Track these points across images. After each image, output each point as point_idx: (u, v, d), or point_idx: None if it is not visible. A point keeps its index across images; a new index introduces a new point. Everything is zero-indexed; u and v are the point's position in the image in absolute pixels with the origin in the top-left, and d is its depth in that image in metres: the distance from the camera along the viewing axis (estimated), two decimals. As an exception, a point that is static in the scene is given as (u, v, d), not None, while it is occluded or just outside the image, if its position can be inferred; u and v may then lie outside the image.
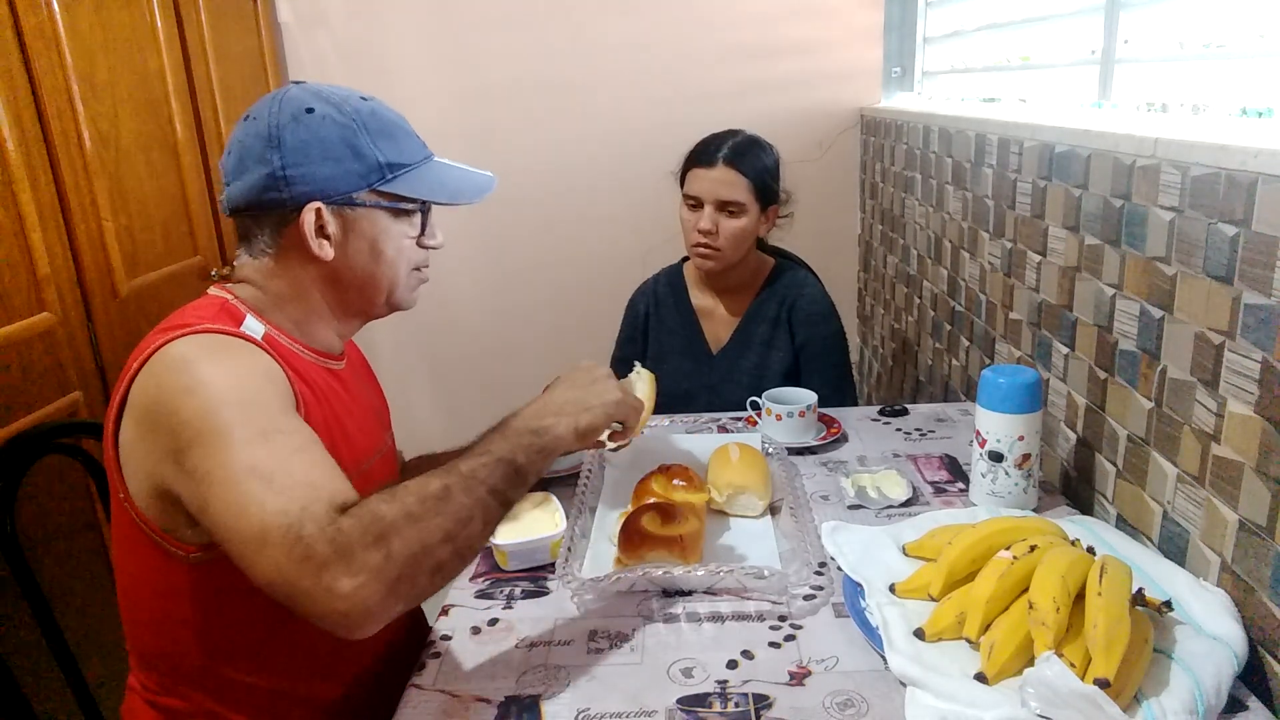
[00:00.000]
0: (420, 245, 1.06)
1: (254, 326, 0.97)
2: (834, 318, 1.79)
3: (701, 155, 1.70)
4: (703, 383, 1.81)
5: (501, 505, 0.88)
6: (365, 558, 0.77)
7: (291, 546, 0.77)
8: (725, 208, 1.67)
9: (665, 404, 1.73)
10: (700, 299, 1.86)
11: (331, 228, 0.98)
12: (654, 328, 1.88)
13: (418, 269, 1.07)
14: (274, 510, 0.79)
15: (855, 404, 1.80)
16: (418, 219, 1.04)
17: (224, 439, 0.83)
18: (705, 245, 1.69)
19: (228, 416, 0.84)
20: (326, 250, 0.98)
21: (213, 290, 1.01)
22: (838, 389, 1.76)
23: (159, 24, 1.90)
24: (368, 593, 0.77)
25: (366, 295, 1.04)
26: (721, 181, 1.66)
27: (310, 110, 0.96)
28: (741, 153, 1.68)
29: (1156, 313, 1.08)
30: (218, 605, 0.95)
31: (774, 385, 1.56)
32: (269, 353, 0.93)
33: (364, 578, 0.76)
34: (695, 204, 1.70)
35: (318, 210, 0.96)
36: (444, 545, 0.81)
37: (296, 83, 1.01)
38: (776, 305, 1.78)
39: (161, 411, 0.86)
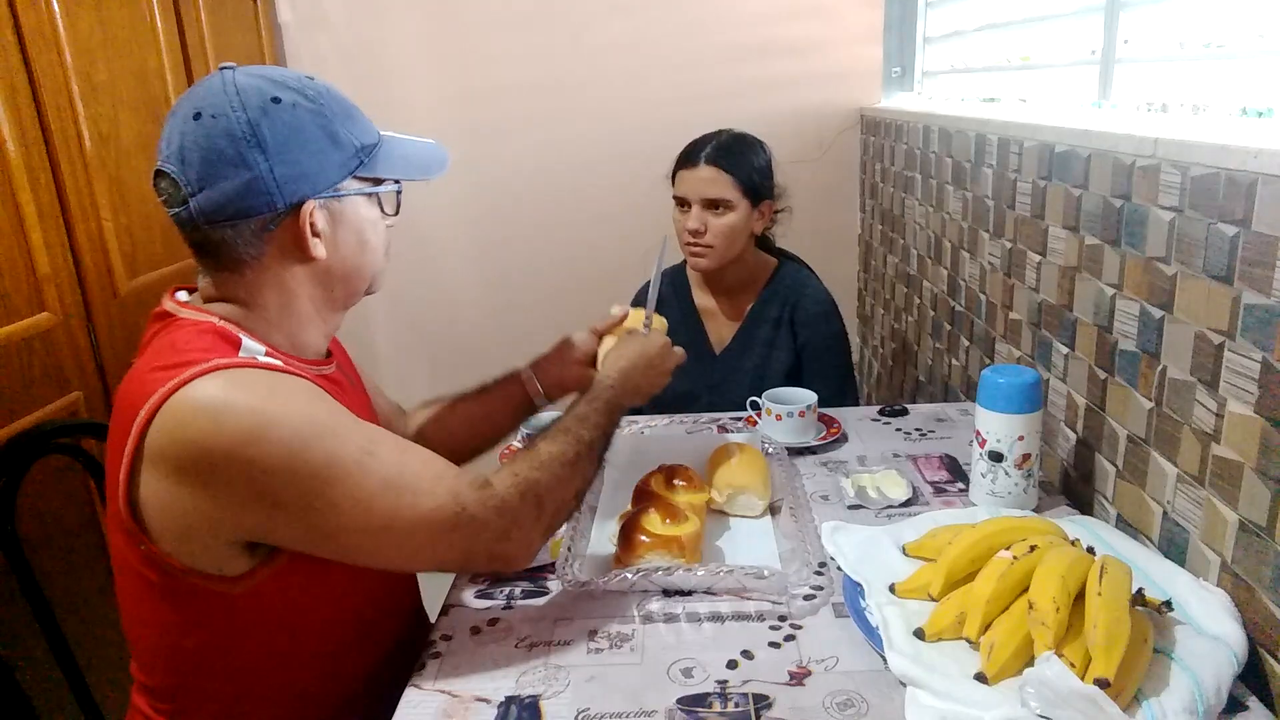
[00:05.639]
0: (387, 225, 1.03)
1: (253, 348, 0.91)
2: (836, 318, 1.79)
3: (687, 157, 1.72)
4: (705, 383, 1.81)
5: (600, 463, 1.09)
6: (524, 515, 0.94)
7: (463, 528, 0.90)
8: (711, 206, 1.68)
9: (667, 404, 1.74)
10: (702, 299, 1.86)
11: (321, 224, 0.92)
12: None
13: (386, 249, 1.04)
14: (429, 509, 0.88)
15: (857, 404, 1.79)
16: (389, 198, 1.00)
17: (332, 472, 0.84)
18: (695, 244, 1.71)
19: (322, 449, 0.84)
20: (320, 249, 0.93)
21: (186, 313, 0.93)
22: (839, 389, 1.76)
23: (159, 24, 1.90)
24: (533, 541, 0.97)
25: (352, 287, 1.01)
26: (705, 180, 1.67)
27: (277, 99, 0.88)
28: (725, 150, 1.69)
29: (1156, 313, 1.08)
30: (244, 635, 0.93)
31: (776, 385, 1.56)
32: (291, 371, 0.90)
33: (528, 531, 0.96)
34: (684, 205, 1.72)
35: (311, 209, 0.91)
36: (575, 499, 1.03)
37: (225, 67, 0.91)
38: (779, 305, 1.78)
39: (221, 464, 0.81)
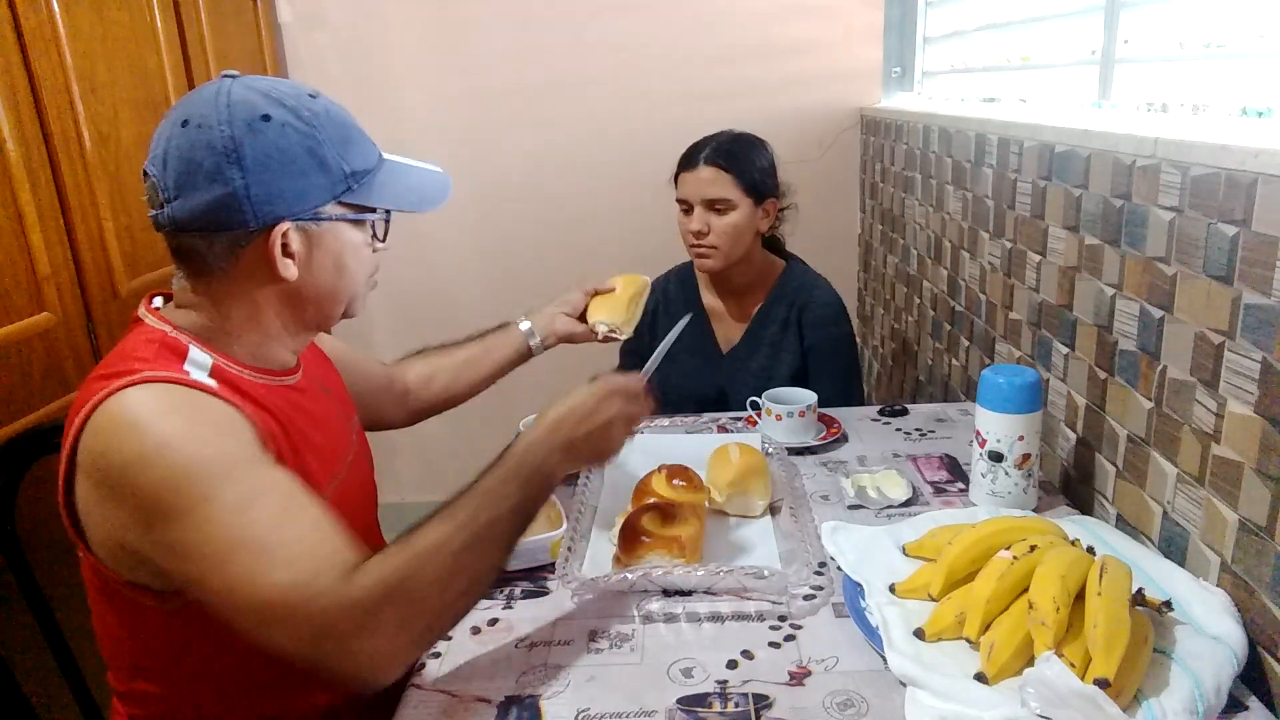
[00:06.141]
0: (373, 250, 1.01)
1: (200, 359, 0.90)
2: (844, 320, 1.80)
3: (687, 159, 1.73)
4: (712, 382, 1.82)
5: (511, 550, 0.90)
6: (386, 619, 0.79)
7: (309, 619, 0.77)
8: (713, 206, 1.69)
9: (674, 405, 1.74)
10: (710, 300, 1.86)
11: (295, 245, 0.90)
12: (663, 325, 1.87)
13: (370, 276, 1.02)
14: (283, 584, 0.78)
15: (863, 406, 1.79)
16: (377, 225, 0.99)
17: (202, 513, 0.79)
18: (699, 246, 1.71)
19: (201, 488, 0.79)
20: (291, 270, 0.91)
21: (149, 319, 0.93)
22: (845, 391, 1.76)
23: (159, 24, 1.90)
24: (398, 650, 0.80)
25: (325, 310, 0.99)
26: (705, 180, 1.68)
27: (267, 117, 0.87)
28: (724, 150, 1.69)
29: (1156, 313, 1.08)
30: (199, 647, 0.92)
31: (782, 387, 1.56)
32: (220, 395, 0.87)
33: (390, 640, 0.79)
34: (686, 207, 1.72)
35: (285, 230, 0.89)
36: (464, 598, 0.86)
37: (228, 75, 0.90)
38: (786, 307, 1.79)
39: (120, 481, 0.80)
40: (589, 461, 1.00)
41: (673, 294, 1.88)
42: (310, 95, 0.92)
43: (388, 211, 0.99)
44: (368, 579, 0.79)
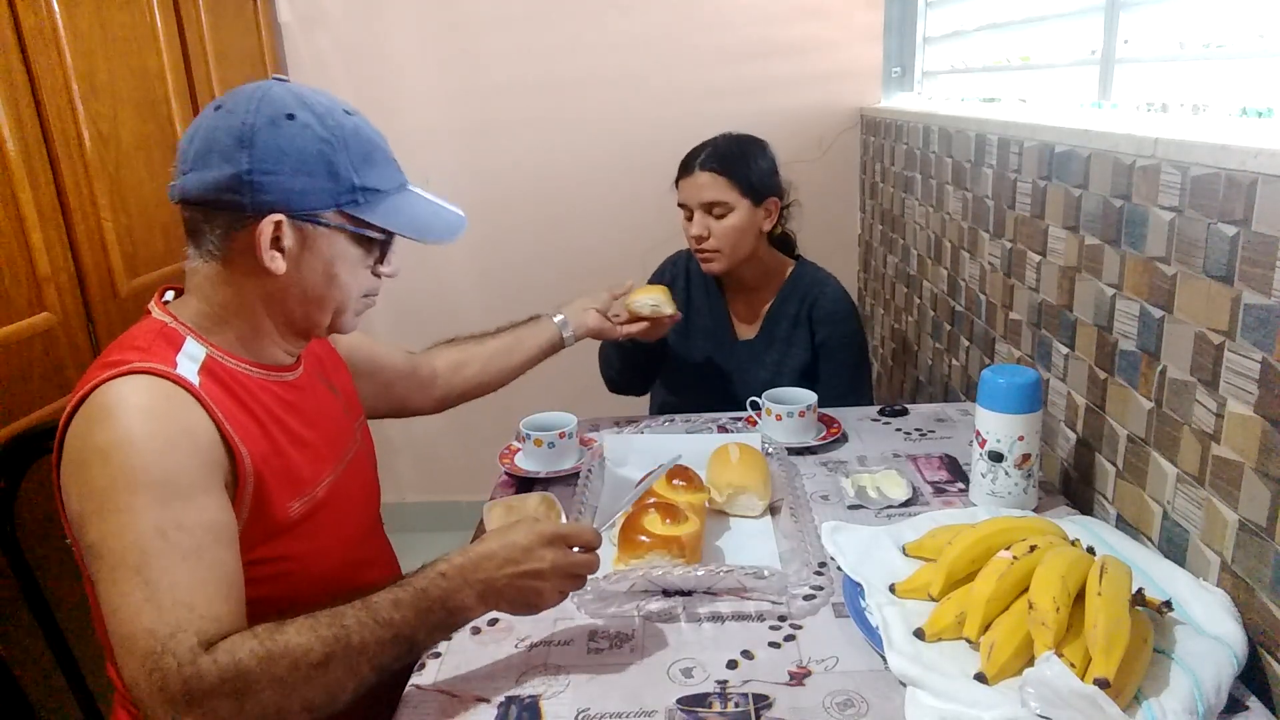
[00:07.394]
0: (375, 273, 1.02)
1: (194, 351, 0.93)
2: (854, 318, 1.81)
3: (684, 166, 1.74)
4: (724, 367, 1.83)
5: (380, 675, 0.85)
6: (216, 707, 0.77)
7: (150, 672, 0.77)
8: (711, 209, 1.70)
9: (686, 384, 1.74)
10: (725, 294, 1.87)
11: (288, 241, 0.93)
12: (677, 298, 1.87)
13: (367, 295, 1.04)
14: (145, 626, 0.78)
15: (871, 404, 1.80)
16: (378, 248, 1.01)
17: (122, 522, 0.81)
18: (702, 250, 1.72)
19: (134, 499, 0.81)
20: (278, 263, 0.93)
21: (155, 311, 0.97)
22: (853, 389, 1.77)
23: (159, 24, 1.90)
24: None
25: (311, 316, 1.00)
26: (701, 185, 1.69)
27: (291, 117, 0.91)
28: (719, 154, 1.71)
29: (1156, 313, 1.08)
30: None
31: (791, 382, 1.57)
32: (201, 397, 0.89)
33: None
34: (688, 213, 1.74)
35: (277, 222, 0.91)
36: (307, 712, 0.81)
37: (278, 79, 0.96)
38: (797, 303, 1.80)
39: (82, 466, 0.84)
40: (513, 609, 0.93)
41: (694, 272, 1.88)
42: (346, 111, 0.96)
43: (389, 235, 1.01)
44: (215, 663, 0.78)
